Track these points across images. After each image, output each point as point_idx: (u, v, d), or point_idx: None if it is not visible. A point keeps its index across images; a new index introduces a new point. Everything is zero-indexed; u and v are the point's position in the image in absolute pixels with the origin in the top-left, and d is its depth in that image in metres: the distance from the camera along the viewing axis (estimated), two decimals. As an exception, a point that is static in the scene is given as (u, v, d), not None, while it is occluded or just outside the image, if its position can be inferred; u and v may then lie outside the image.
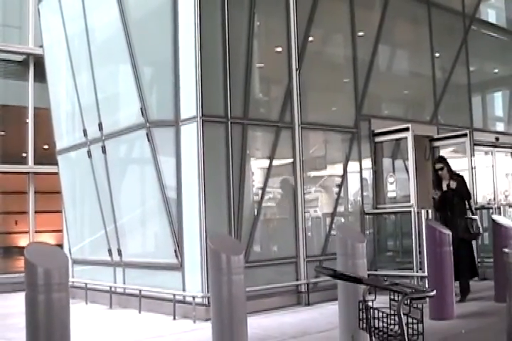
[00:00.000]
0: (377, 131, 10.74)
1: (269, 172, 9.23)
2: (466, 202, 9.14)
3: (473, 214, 9.17)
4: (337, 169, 10.40)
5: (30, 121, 14.38)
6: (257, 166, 9.39)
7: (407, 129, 10.32)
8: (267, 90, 10.27)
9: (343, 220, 10.38)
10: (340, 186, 10.24)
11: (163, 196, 8.92)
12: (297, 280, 9.28)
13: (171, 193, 8.90)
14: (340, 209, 10.29)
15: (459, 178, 9.22)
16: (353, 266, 6.10)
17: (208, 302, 7.47)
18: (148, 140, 9.07)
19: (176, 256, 8.72)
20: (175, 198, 8.84)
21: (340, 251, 6.23)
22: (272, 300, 8.71)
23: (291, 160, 9.54)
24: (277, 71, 9.92)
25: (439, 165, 9.23)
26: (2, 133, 14.91)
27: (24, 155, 14.47)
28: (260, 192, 9.18)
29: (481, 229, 9.07)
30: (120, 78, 10.38)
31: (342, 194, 10.27)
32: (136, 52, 9.32)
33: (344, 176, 10.31)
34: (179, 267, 8.70)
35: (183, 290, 8.60)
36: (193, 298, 8.19)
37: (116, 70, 10.56)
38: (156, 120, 9.15)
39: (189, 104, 8.74)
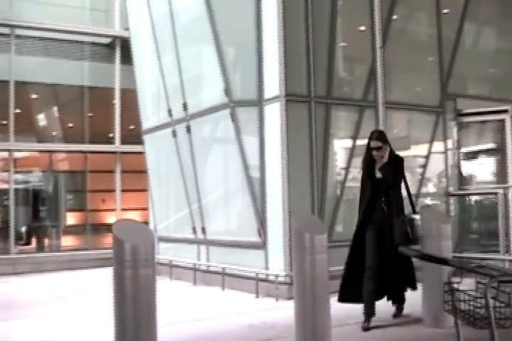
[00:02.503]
0: (465, 111, 10.48)
1: (352, 153, 9.16)
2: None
3: (414, 211, 6.50)
4: (421, 149, 10.23)
5: (116, 102, 14.74)
6: (340, 146, 9.34)
7: (505, 111, 10.02)
8: (350, 69, 10.17)
9: (427, 201, 10.23)
10: (424, 167, 10.08)
11: (247, 175, 9.01)
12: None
13: (254, 172, 8.98)
14: (424, 190, 10.15)
15: (397, 160, 6.63)
16: (438, 247, 6.04)
17: (291, 281, 7.54)
18: (232, 120, 9.17)
19: (259, 234, 8.81)
20: (258, 177, 8.92)
21: (424, 232, 6.17)
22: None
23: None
24: (361, 50, 9.82)
25: (376, 144, 6.48)
26: (90, 114, 15.33)
27: (111, 135, 14.86)
28: (343, 172, 9.14)
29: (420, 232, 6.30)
30: (204, 59, 10.49)
31: (426, 175, 10.12)
32: (220, 32, 9.39)
33: (428, 157, 10.14)
34: (262, 246, 8.79)
35: (266, 268, 8.69)
36: (276, 276, 8.28)
37: (200, 51, 10.68)
38: (239, 100, 9.23)
39: (272, 84, 8.76)
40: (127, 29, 13.34)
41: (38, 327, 7.02)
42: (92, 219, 16.38)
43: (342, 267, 6.52)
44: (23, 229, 15.22)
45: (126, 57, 13.67)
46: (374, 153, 6.47)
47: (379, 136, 6.56)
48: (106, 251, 12.71)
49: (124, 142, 14.74)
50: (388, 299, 6.78)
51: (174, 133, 11.06)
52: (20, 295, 10.04)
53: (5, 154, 14.08)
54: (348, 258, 6.55)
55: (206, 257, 10.29)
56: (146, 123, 12.50)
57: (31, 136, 15.25)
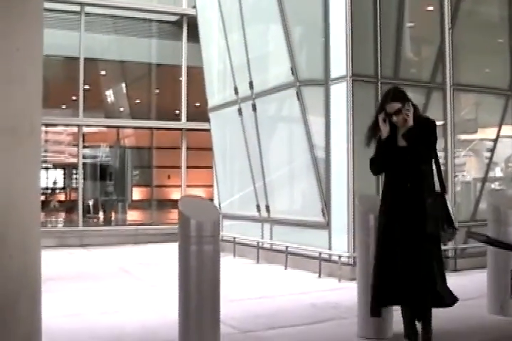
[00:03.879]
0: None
1: (418, 134, 9.03)
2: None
3: (444, 191, 5.03)
4: (489, 133, 10.04)
5: (183, 79, 14.86)
6: (407, 127, 9.23)
7: None
8: (417, 50, 10.02)
9: (494, 186, 10.05)
10: (492, 151, 9.90)
11: (312, 155, 9.02)
12: (445, 245, 9.14)
13: (319, 152, 8.99)
14: (492, 174, 9.97)
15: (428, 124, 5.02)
16: (505, 233, 5.95)
17: (354, 262, 7.57)
18: (298, 99, 9.17)
19: (323, 214, 8.85)
20: (323, 157, 8.93)
21: (491, 217, 6.09)
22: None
23: (441, 122, 9.31)
24: (429, 30, 9.65)
25: (394, 106, 4.90)
26: (157, 91, 15.54)
27: (177, 112, 15.02)
28: (407, 153, 9.03)
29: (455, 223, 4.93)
30: (271, 37, 10.49)
31: (494, 159, 9.93)
32: (287, 11, 9.36)
33: (496, 140, 9.94)
34: (326, 226, 8.83)
35: (329, 248, 8.73)
36: (339, 257, 8.30)
37: (266, 30, 10.67)
38: (305, 79, 9.22)
39: (339, 63, 8.71)
40: (194, 7, 13.40)
41: (101, 298, 7.22)
42: (158, 195, 16.68)
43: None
44: (91, 202, 15.62)
45: (193, 35, 13.76)
46: (394, 119, 4.89)
47: (395, 95, 4.97)
48: (170, 226, 12.94)
49: (189, 119, 14.88)
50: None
51: (240, 111, 11.13)
52: (87, 267, 10.32)
53: (74, 129, 14.42)
54: (375, 264, 4.97)
55: (270, 235, 10.39)
56: (212, 100, 12.59)
57: (99, 112, 15.56)
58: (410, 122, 4.84)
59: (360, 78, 8.57)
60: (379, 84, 8.65)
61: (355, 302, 5.42)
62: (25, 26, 2.31)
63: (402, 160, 4.87)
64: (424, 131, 4.88)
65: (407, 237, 4.75)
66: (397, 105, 4.87)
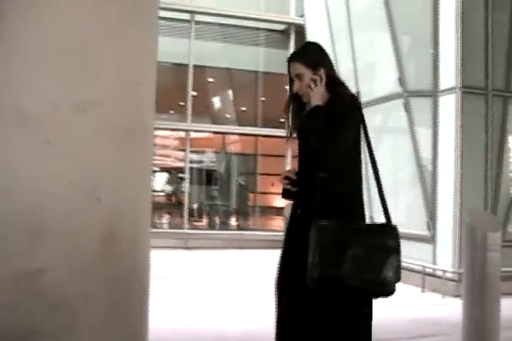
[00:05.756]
0: None
1: (530, 149, 8.78)
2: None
3: (387, 217, 3.10)
4: None
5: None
6: (517, 142, 8.97)
7: None
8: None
9: None
10: None
11: (418, 167, 8.91)
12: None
13: (426, 164, 8.87)
14: None
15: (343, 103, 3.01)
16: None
17: (459, 278, 7.42)
18: (405, 110, 9.07)
19: (428, 228, 8.71)
20: (430, 170, 8.80)
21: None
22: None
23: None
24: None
25: (295, 69, 3.07)
26: (263, 98, 15.71)
27: (282, 120, 15.08)
28: (520, 169, 8.78)
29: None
30: (378, 47, 10.43)
31: None
32: (396, 20, 9.29)
33: None
34: (431, 239, 8.69)
35: (434, 263, 8.59)
36: (444, 272, 8.16)
37: (374, 39, 10.63)
38: (413, 90, 9.12)
39: (448, 75, 8.58)
40: (302, 16, 13.49)
41: (205, 299, 7.31)
42: (261, 202, 16.84)
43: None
44: (195, 206, 15.96)
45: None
46: (295, 88, 3.07)
47: (299, 53, 3.16)
48: (273, 233, 13.05)
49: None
50: None
51: (346, 121, 11.07)
52: (193, 268, 10.55)
53: (181, 134, 14.78)
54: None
55: (372, 246, 10.28)
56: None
57: (206, 118, 15.89)
58: (313, 99, 2.97)
59: (470, 90, 8.40)
60: (489, 96, 8.45)
61: (459, 320, 5.31)
62: (139, 33, 2.43)
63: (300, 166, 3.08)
64: (333, 114, 2.91)
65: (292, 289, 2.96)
66: (299, 68, 3.04)
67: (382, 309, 7.15)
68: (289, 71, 3.09)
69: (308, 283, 2.73)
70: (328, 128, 2.85)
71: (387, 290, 2.85)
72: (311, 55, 3.08)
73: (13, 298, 2.09)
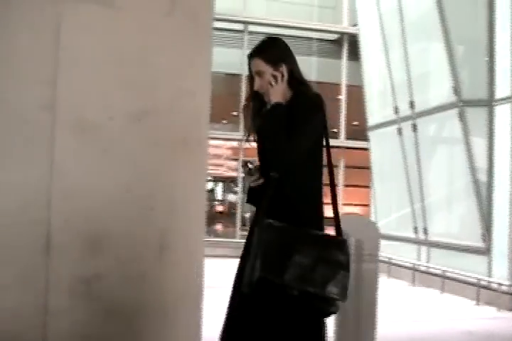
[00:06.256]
0: None
1: None
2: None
3: (338, 230, 2.72)
4: None
5: (342, 97, 14.96)
6: None
7: None
8: None
9: None
10: None
11: (473, 178, 8.77)
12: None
13: (481, 175, 8.73)
14: None
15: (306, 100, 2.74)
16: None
17: (515, 291, 7.28)
18: (460, 119, 8.95)
19: (484, 239, 8.56)
20: (485, 181, 8.66)
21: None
22: None
23: None
24: None
25: (256, 65, 2.78)
26: (315, 108, 15.66)
27: (335, 130, 15.09)
28: None
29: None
30: (432, 55, 10.35)
31: None
32: (450, 29, 9.19)
33: None
34: (485, 251, 8.54)
35: (489, 275, 8.44)
36: (499, 284, 8.02)
37: (428, 47, 10.57)
38: (468, 99, 9.00)
39: (504, 83, 8.45)
40: (355, 25, 13.47)
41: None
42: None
43: None
44: (247, 215, 16.00)
45: (353, 53, 13.84)
46: (255, 85, 2.81)
47: (261, 47, 2.88)
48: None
49: (348, 137, 14.91)
50: None
51: (400, 131, 11.01)
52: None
53: (232, 143, 14.85)
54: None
55: (426, 258, 10.18)
56: (371, 119, 12.57)
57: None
58: (273, 96, 2.74)
59: (527, 99, 8.26)
60: (547, 105, 8.30)
61: (515, 335, 5.24)
62: (195, 44, 2.47)
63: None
64: (293, 113, 2.69)
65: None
66: (258, 64, 2.80)
67: (436, 322, 7.11)
68: (249, 68, 2.85)
69: (243, 287, 2.56)
70: (286, 127, 2.65)
71: (329, 310, 2.59)
72: (272, 51, 2.85)
73: (70, 303, 2.13)
